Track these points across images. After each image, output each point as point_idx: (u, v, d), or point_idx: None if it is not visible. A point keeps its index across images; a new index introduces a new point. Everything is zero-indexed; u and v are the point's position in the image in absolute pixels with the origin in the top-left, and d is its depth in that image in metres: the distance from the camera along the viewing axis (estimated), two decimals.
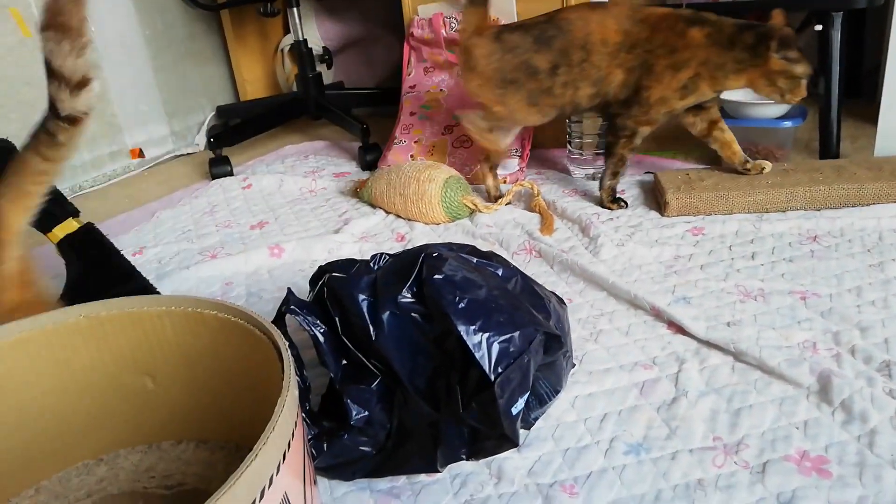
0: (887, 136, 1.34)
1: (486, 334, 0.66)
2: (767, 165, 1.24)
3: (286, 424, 0.49)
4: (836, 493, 0.62)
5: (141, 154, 1.85)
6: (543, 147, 1.59)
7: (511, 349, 0.67)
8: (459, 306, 0.68)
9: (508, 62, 1.19)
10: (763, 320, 0.89)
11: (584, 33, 1.17)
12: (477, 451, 0.70)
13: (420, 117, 1.53)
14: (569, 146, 1.44)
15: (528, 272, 1.06)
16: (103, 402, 0.71)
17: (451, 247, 0.80)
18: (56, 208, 1.02)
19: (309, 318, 0.73)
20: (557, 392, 0.75)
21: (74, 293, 0.99)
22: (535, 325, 0.69)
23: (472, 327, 0.66)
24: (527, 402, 0.71)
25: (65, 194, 1.65)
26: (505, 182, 1.42)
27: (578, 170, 1.43)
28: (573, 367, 0.81)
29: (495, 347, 0.66)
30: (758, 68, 1.11)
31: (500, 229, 1.23)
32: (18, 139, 1.01)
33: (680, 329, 0.89)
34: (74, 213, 1.04)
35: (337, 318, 0.72)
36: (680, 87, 1.16)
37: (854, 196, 1.15)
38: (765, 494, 0.62)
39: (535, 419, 0.75)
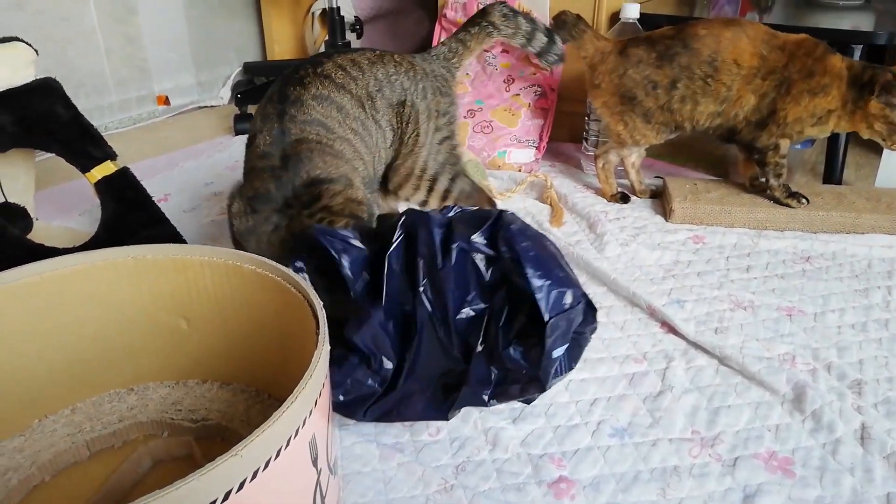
0: (889, 168, 1.40)
1: (548, 282, 0.73)
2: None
3: (320, 376, 0.55)
4: (798, 491, 0.68)
5: (167, 101, 1.89)
6: (560, 140, 1.64)
7: (563, 301, 0.73)
8: (530, 253, 0.74)
9: (630, 78, 1.22)
10: (749, 330, 0.96)
11: (713, 49, 1.18)
12: (500, 393, 0.75)
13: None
14: (585, 143, 1.49)
15: None
16: (139, 336, 0.77)
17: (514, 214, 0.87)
18: (96, 150, 1.07)
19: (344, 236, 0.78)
20: (571, 368, 0.80)
21: (109, 231, 1.05)
22: (583, 292, 0.76)
23: (538, 272, 0.73)
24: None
25: None
26: (520, 171, 1.47)
27: (591, 167, 1.49)
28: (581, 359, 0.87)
29: (553, 295, 0.72)
30: (861, 110, 1.14)
31: None
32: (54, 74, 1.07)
33: (672, 329, 0.95)
34: (112, 156, 1.09)
35: (396, 247, 0.77)
36: (815, 114, 1.16)
37: (850, 224, 1.21)
38: (733, 486, 0.69)
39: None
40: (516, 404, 0.80)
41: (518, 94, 1.50)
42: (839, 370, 0.87)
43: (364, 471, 0.72)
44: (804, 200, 1.23)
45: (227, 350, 0.78)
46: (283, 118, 0.88)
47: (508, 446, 0.74)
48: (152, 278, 0.75)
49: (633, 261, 1.14)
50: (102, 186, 1.07)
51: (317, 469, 0.56)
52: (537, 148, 1.49)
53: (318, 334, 0.59)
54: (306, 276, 0.77)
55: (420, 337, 0.76)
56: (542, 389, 0.73)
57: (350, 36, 1.93)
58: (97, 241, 1.03)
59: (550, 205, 1.32)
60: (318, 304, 0.63)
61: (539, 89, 1.51)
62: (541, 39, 1.16)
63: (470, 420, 0.78)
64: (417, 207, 1.04)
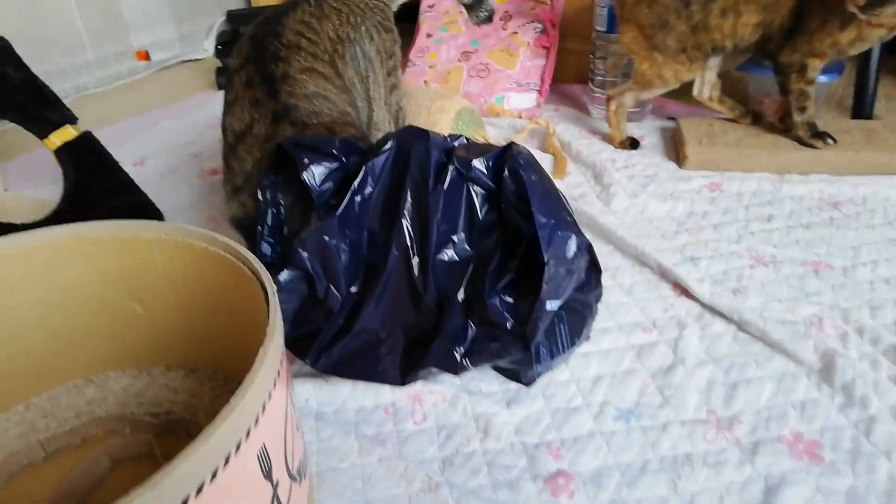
0: None
1: (553, 221, 0.64)
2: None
3: (264, 382, 0.48)
4: (826, 480, 0.61)
5: (147, 57, 1.79)
6: (564, 81, 1.52)
7: (567, 246, 0.64)
8: (538, 188, 0.65)
9: (660, 3, 1.10)
10: (771, 290, 0.86)
11: None
12: (477, 351, 0.66)
13: (436, 40, 1.46)
14: (590, 84, 1.37)
15: None
16: (91, 321, 0.69)
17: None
18: (53, 114, 0.99)
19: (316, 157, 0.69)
20: (573, 345, 0.72)
21: (71, 202, 0.97)
22: (588, 244, 0.67)
23: (543, 209, 0.64)
24: (538, 351, 0.69)
25: (69, 93, 1.61)
26: (520, 117, 1.36)
27: (597, 110, 1.37)
28: (587, 338, 0.78)
29: (556, 236, 0.63)
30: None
31: None
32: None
33: (684, 291, 0.87)
34: (72, 120, 1.01)
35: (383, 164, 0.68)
36: (846, 22, 1.01)
37: (883, 164, 1.10)
38: (753, 475, 0.62)
39: (539, 374, 0.73)
40: (511, 384, 0.73)
41: (516, 33, 1.38)
42: (872, 333, 0.78)
43: (341, 467, 0.65)
44: (830, 140, 1.11)
45: (188, 334, 0.71)
46: (277, 97, 0.78)
47: (501, 434, 0.67)
48: (98, 258, 0.67)
49: (643, 214, 1.04)
50: (63, 153, 0.99)
51: (272, 482, 0.49)
52: (539, 91, 1.38)
53: (266, 324, 0.51)
54: (274, 193, 0.69)
55: (389, 273, 0.67)
56: (527, 348, 0.64)
57: None
58: (59, 214, 0.95)
59: (553, 154, 1.22)
60: (271, 287, 0.55)
61: (539, 26, 1.38)
62: None
63: (459, 405, 0.71)
64: None
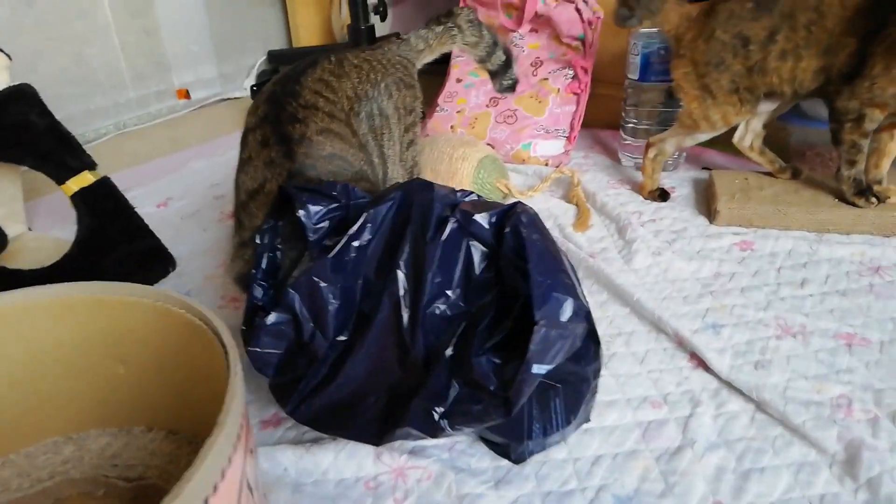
0: None
1: (549, 282, 0.59)
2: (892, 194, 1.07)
3: (212, 467, 0.45)
4: None
5: (187, 95, 1.83)
6: (595, 126, 1.48)
7: (561, 309, 0.59)
8: (538, 247, 0.62)
9: (717, 40, 1.05)
10: (797, 365, 0.80)
11: None
12: (457, 413, 0.61)
13: (466, 85, 1.44)
14: (622, 132, 1.33)
15: None
16: (74, 381, 0.68)
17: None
18: (72, 160, 1.00)
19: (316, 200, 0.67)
20: (568, 423, 0.67)
21: (82, 248, 0.98)
22: (587, 311, 0.62)
23: (541, 268, 0.60)
24: (530, 425, 0.65)
25: (109, 131, 1.65)
26: (547, 165, 1.33)
27: (627, 158, 1.33)
28: (587, 420, 0.72)
29: (551, 298, 0.59)
30: None
31: None
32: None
33: (702, 363, 0.81)
34: (91, 166, 1.02)
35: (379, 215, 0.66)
36: None
37: None
38: None
39: (531, 453, 0.68)
40: (503, 462, 0.68)
41: (546, 79, 1.35)
42: None
43: None
44: (874, 200, 1.04)
45: (170, 396, 0.69)
46: (294, 157, 0.77)
47: None
48: (82, 320, 0.66)
49: (666, 274, 0.99)
50: (79, 199, 1.00)
51: None
52: (568, 138, 1.34)
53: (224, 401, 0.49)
54: (272, 238, 0.67)
55: (378, 324, 0.63)
56: (509, 413, 0.59)
57: (374, 18, 1.81)
58: (70, 261, 0.96)
59: (576, 205, 1.18)
60: (232, 351, 0.53)
61: (570, 72, 1.35)
62: (499, 57, 1.13)
63: (444, 483, 0.66)
64: None
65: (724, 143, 1.37)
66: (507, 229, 0.62)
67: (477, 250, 0.63)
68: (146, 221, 1.23)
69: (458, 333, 0.61)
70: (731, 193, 1.11)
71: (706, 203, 1.16)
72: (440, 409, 0.59)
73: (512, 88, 1.18)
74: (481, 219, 0.63)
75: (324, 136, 0.79)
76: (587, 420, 0.71)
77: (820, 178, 1.14)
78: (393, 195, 0.66)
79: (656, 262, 1.01)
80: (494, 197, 1.21)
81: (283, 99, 0.82)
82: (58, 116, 1.62)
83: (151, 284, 1.05)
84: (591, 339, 0.64)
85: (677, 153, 1.27)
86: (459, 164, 1.19)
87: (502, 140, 1.34)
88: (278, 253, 0.69)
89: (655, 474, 0.67)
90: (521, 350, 0.57)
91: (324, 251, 0.63)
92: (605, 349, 0.84)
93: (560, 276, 0.61)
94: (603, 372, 0.80)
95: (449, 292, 0.62)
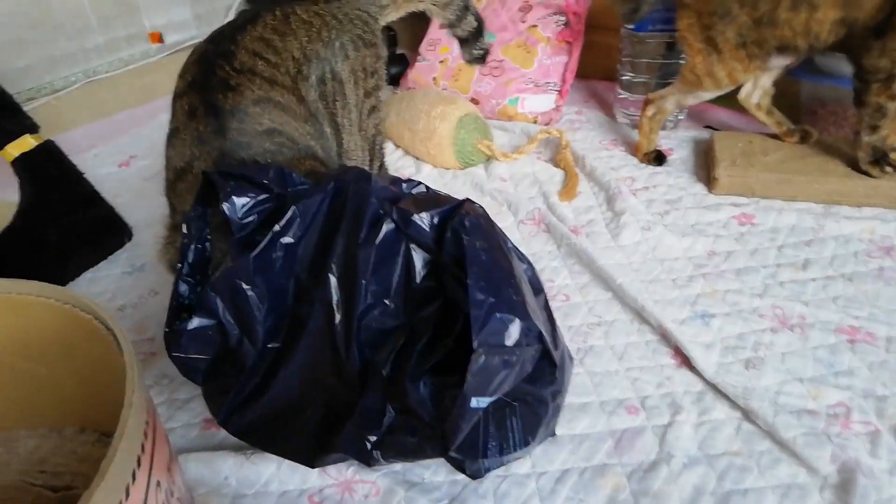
0: None
1: (492, 300, 0.51)
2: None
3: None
4: None
5: (161, 39, 1.71)
6: (590, 78, 1.37)
7: (506, 332, 0.51)
8: (481, 256, 0.53)
9: None
10: (793, 364, 0.72)
11: None
12: (390, 444, 0.55)
13: (450, 33, 1.32)
14: (618, 85, 1.22)
15: (529, 250, 0.92)
16: None
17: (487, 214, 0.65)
18: (9, 123, 0.92)
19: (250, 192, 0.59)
20: (527, 444, 0.60)
21: (26, 218, 0.91)
22: (539, 333, 0.54)
23: (482, 283, 0.51)
24: (486, 443, 0.59)
25: (78, 79, 1.55)
26: (536, 122, 1.23)
27: (623, 115, 1.22)
28: (553, 434, 0.66)
29: (494, 319, 0.51)
30: None
31: (515, 185, 1.07)
32: None
33: (686, 361, 0.74)
34: (31, 129, 0.93)
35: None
36: None
37: None
38: None
39: (488, 470, 0.62)
40: (459, 476, 0.62)
41: (535, 26, 1.24)
42: None
43: None
44: (889, 169, 0.94)
45: (95, 397, 0.63)
46: (225, 134, 0.68)
47: None
48: None
49: (655, 252, 0.90)
50: (20, 165, 0.92)
51: None
52: (559, 93, 1.23)
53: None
54: (200, 227, 0.60)
55: (311, 332, 0.56)
56: (444, 453, 0.53)
57: None
58: (11, 233, 0.89)
59: (564, 169, 1.08)
60: (130, 359, 0.47)
61: (562, 18, 1.23)
62: (470, 23, 1.03)
63: (393, 500, 0.61)
64: None
65: (729, 98, 1.26)
66: (448, 233, 0.54)
67: (418, 255, 0.55)
68: (106, 182, 1.15)
69: (396, 349, 0.54)
70: (733, 159, 1.01)
71: (706, 168, 1.07)
72: (373, 438, 0.53)
73: (482, 59, 1.08)
74: (421, 220, 0.55)
75: (261, 107, 0.70)
76: (552, 435, 0.65)
77: (831, 142, 1.03)
78: (326, 186, 0.58)
79: (645, 238, 0.92)
80: (476, 160, 1.12)
81: (215, 61, 0.72)
82: (19, 65, 1.51)
83: (105, 257, 0.98)
84: (546, 361, 0.56)
85: (678, 112, 1.17)
86: (437, 124, 1.10)
87: (487, 94, 1.24)
88: (207, 244, 0.61)
89: (626, 495, 0.61)
90: (462, 374, 0.50)
91: (246, 249, 0.55)
92: (582, 341, 0.77)
93: (505, 292, 0.53)
94: (578, 370, 0.73)
95: (387, 301, 0.55)
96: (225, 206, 0.56)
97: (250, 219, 0.57)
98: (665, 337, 0.77)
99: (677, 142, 1.15)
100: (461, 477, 0.62)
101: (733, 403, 0.68)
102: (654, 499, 0.60)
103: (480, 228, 0.55)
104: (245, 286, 0.54)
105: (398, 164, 1.15)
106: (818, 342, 0.75)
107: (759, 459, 0.63)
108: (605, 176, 1.04)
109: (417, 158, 1.15)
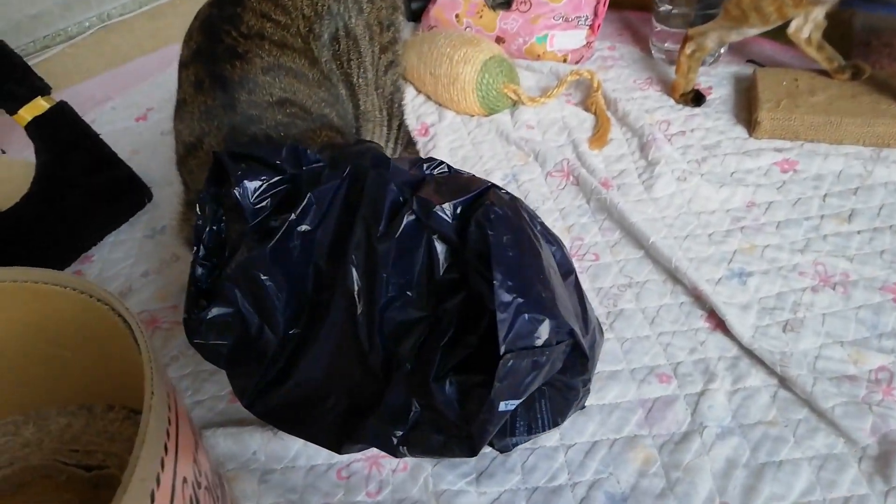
0: None
1: (520, 301, 0.49)
2: None
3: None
4: None
5: None
6: (624, 8, 1.28)
7: (535, 334, 0.49)
8: (507, 253, 0.51)
9: None
10: (833, 325, 0.69)
11: None
12: (415, 441, 0.54)
13: None
14: (654, 17, 1.14)
15: (557, 205, 0.89)
16: (23, 361, 0.63)
17: (515, 196, 0.61)
18: (21, 87, 0.89)
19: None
20: (557, 425, 0.60)
21: (43, 184, 0.90)
22: (570, 328, 0.52)
23: (509, 282, 0.49)
24: (514, 422, 0.58)
25: (93, 24, 1.51)
26: (565, 61, 1.16)
27: (659, 50, 1.15)
28: (583, 408, 0.65)
29: (521, 320, 0.49)
30: None
31: (542, 133, 1.02)
32: None
33: (721, 324, 0.71)
34: (43, 90, 0.91)
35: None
36: None
37: None
38: None
39: (515, 445, 0.61)
40: (486, 449, 0.62)
41: None
42: None
43: None
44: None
45: (120, 375, 0.63)
46: (235, 107, 0.64)
47: None
48: (9, 305, 0.59)
49: (691, 204, 0.86)
50: (34, 129, 0.90)
51: None
52: (591, 27, 1.16)
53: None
54: (215, 208, 0.58)
55: (333, 323, 0.54)
56: (473, 452, 0.53)
57: None
58: (30, 202, 0.88)
59: (595, 114, 1.03)
60: (150, 366, 0.47)
61: None
62: None
63: (420, 477, 0.61)
64: None
65: (776, 31, 1.17)
66: (472, 227, 0.51)
67: (441, 247, 0.52)
68: (123, 138, 1.14)
69: (419, 342, 0.52)
70: (777, 100, 0.95)
71: (747, 109, 1.01)
72: (399, 434, 0.52)
73: (507, 4, 1.01)
74: (443, 210, 0.52)
75: (271, 76, 0.66)
76: (582, 408, 0.64)
77: (885, 78, 0.96)
78: (343, 170, 0.55)
79: (681, 190, 0.88)
80: (502, 105, 1.07)
81: (221, 27, 0.68)
82: (31, 12, 1.48)
83: (126, 219, 0.98)
84: (577, 353, 0.54)
85: (719, 48, 1.09)
86: (461, 68, 1.04)
87: (514, 32, 1.17)
88: (223, 225, 0.59)
89: (656, 468, 0.60)
90: (488, 373, 0.48)
91: (263, 238, 0.53)
92: (612, 304, 0.75)
93: (534, 290, 0.50)
94: (607, 335, 0.71)
95: (409, 292, 0.53)
96: (237, 191, 0.54)
97: (264, 203, 0.55)
98: (699, 299, 0.74)
99: (717, 79, 1.08)
100: (488, 450, 0.62)
101: (769, 370, 0.66)
102: (685, 472, 0.59)
103: (506, 220, 0.52)
104: (263, 277, 0.53)
105: (420, 110, 1.10)
106: (861, 301, 0.72)
107: (795, 429, 0.61)
108: (639, 121, 0.99)
109: (440, 105, 1.10)
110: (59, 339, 0.61)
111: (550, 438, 0.63)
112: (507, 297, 0.48)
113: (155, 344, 0.76)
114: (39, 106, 0.90)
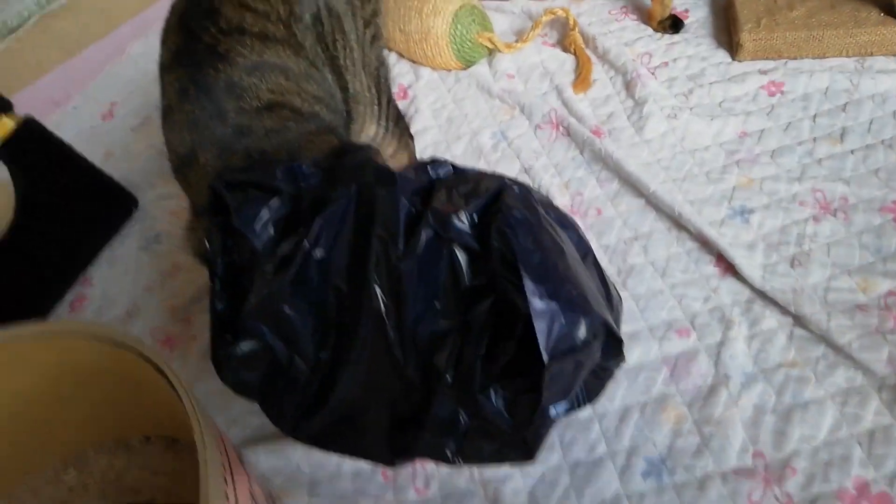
0: None
1: (554, 304, 0.49)
2: None
3: None
4: None
5: None
6: None
7: (575, 335, 0.50)
8: (533, 257, 0.51)
9: None
10: (839, 254, 0.71)
11: None
12: (470, 451, 0.56)
13: None
14: None
15: (552, 160, 0.88)
16: (65, 408, 0.63)
17: (525, 187, 0.60)
18: None
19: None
20: (589, 401, 0.60)
21: (28, 212, 0.87)
22: (604, 319, 0.52)
23: (542, 288, 0.49)
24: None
25: (32, 11, 1.43)
26: None
27: None
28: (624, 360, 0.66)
29: (559, 325, 0.49)
30: None
31: (524, 82, 0.99)
32: None
33: (730, 267, 0.72)
34: (4, 107, 0.86)
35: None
36: None
37: None
38: None
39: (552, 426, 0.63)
40: None
41: None
42: None
43: None
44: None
45: (154, 407, 0.64)
46: (225, 119, 0.62)
47: None
48: (43, 361, 0.59)
49: (684, 142, 0.86)
50: (6, 154, 0.86)
51: None
52: None
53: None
54: (222, 239, 0.58)
55: (364, 340, 0.54)
56: (529, 456, 0.55)
57: None
58: (17, 233, 0.85)
59: (575, 54, 1.01)
60: (197, 419, 0.47)
61: None
62: None
63: (465, 468, 0.63)
64: None
65: None
66: (494, 234, 0.50)
67: (462, 255, 0.52)
68: (92, 140, 1.09)
69: (454, 352, 0.53)
70: (757, 18, 0.93)
71: (727, 31, 0.99)
72: (452, 447, 0.53)
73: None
74: (460, 220, 0.51)
75: (257, 76, 0.64)
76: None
77: None
78: (347, 189, 0.53)
79: (672, 128, 0.87)
80: (478, 56, 1.04)
81: (199, 23, 0.65)
82: None
83: (116, 231, 0.95)
84: (611, 340, 0.55)
85: None
86: (432, 22, 1.01)
87: None
88: (233, 255, 0.58)
89: (689, 425, 0.62)
90: (532, 374, 0.49)
91: (279, 269, 0.53)
92: (621, 261, 0.76)
93: (566, 290, 0.51)
94: (623, 293, 0.72)
95: (436, 303, 0.53)
96: (237, 223, 0.53)
97: (269, 230, 0.54)
98: (706, 244, 0.75)
99: (693, 0, 1.05)
100: None
101: (783, 309, 0.68)
102: (717, 426, 0.61)
103: (525, 223, 0.52)
104: (287, 309, 0.53)
105: (394, 71, 1.07)
106: (862, 226, 0.73)
107: (816, 367, 0.64)
108: (620, 57, 0.97)
109: (414, 62, 1.07)
110: (88, 383, 0.61)
111: (583, 410, 0.65)
112: (540, 305, 0.48)
113: (175, 366, 0.76)
114: (5, 126, 0.85)
